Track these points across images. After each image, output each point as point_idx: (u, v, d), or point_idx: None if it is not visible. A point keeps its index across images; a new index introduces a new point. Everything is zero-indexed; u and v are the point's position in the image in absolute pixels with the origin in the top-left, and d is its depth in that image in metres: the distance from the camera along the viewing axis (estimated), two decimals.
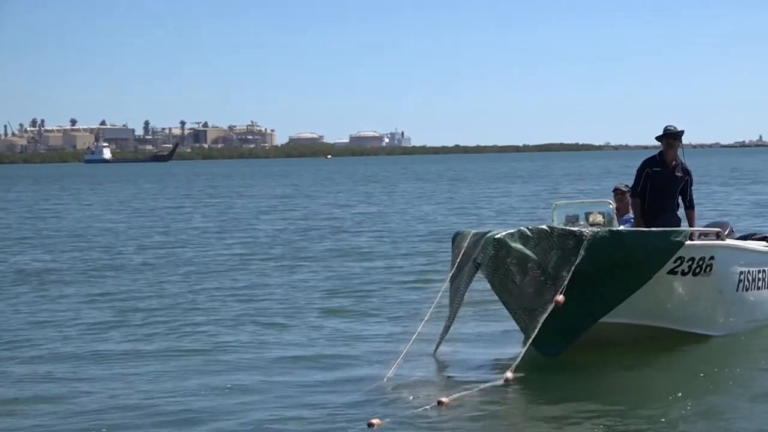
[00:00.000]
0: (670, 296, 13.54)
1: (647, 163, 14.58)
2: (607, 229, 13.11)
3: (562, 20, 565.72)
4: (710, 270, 13.63)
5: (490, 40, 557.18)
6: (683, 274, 13.42)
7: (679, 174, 14.49)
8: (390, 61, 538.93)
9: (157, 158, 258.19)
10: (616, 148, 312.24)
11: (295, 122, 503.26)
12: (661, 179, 14.45)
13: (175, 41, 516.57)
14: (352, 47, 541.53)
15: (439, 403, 11.12)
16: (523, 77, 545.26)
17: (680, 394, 11.58)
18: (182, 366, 13.45)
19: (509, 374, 11.85)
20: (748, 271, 14.47)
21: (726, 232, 15.58)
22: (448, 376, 12.85)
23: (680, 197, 14.67)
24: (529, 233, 12.95)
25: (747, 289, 14.49)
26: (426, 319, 13.30)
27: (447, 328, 13.67)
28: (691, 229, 13.77)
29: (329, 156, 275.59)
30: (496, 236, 12.97)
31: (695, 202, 14.91)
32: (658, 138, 14.59)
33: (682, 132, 14.51)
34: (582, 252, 12.70)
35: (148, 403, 11.57)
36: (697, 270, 13.50)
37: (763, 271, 14.79)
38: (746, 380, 12.35)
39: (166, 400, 11.75)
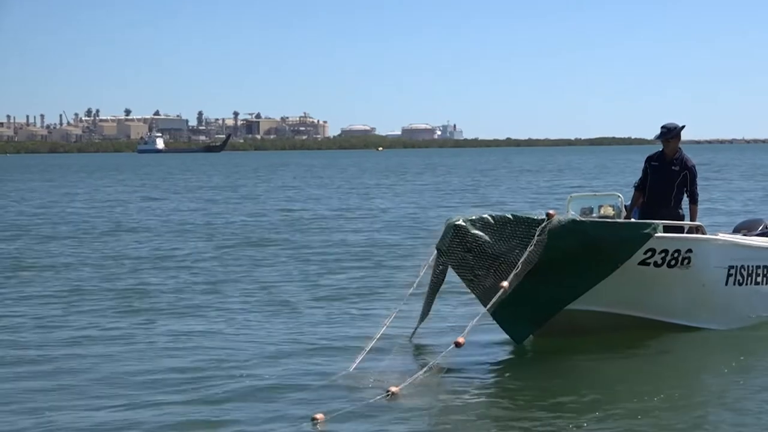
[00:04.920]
0: (644, 287, 13.58)
1: (648, 158, 14.79)
2: (569, 218, 13.21)
3: (614, 13, 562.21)
4: (688, 263, 13.67)
5: (542, 32, 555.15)
6: (656, 265, 13.48)
7: (675, 168, 14.54)
8: (442, 54, 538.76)
9: (209, 149, 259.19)
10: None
11: (347, 114, 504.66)
12: (658, 173, 14.60)
13: (228, 33, 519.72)
14: (405, 40, 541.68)
15: (389, 392, 11.10)
16: (576, 70, 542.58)
17: (651, 386, 11.65)
18: (139, 353, 13.59)
19: (393, 388, 11.39)
20: (742, 266, 14.45)
21: (759, 229, 15.64)
22: (407, 364, 12.84)
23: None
24: (491, 220, 13.08)
25: (740, 284, 14.45)
26: (398, 309, 13.45)
27: (422, 316, 13.82)
28: (662, 222, 13.73)
29: (380, 148, 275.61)
30: (456, 222, 13.11)
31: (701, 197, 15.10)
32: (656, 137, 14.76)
33: (676, 129, 14.59)
34: (543, 240, 12.79)
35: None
36: (673, 262, 13.56)
37: (765, 267, 14.77)
38: (726, 374, 12.36)
39: (115, 393, 11.73)
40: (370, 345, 12.60)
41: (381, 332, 12.90)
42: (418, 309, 13.88)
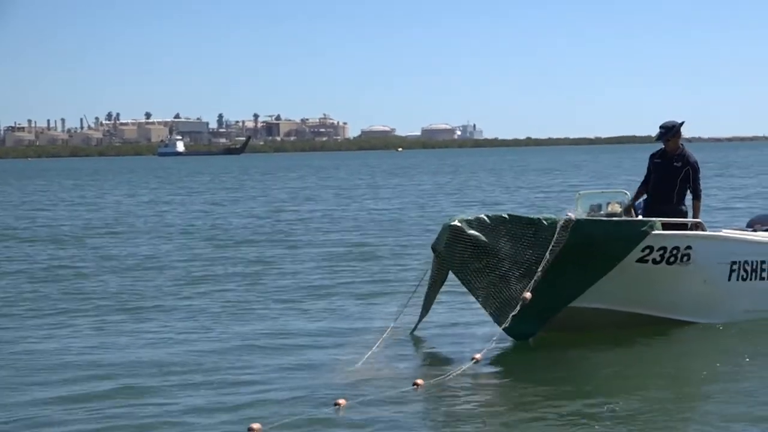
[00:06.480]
0: (645, 284, 13.72)
1: (652, 156, 14.84)
2: (565, 217, 13.33)
3: (634, 15, 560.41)
4: (688, 259, 13.81)
5: (561, 30, 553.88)
6: (655, 262, 13.63)
7: (677, 164, 14.54)
8: (461, 54, 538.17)
9: (230, 151, 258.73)
10: (689, 140, 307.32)
11: (367, 115, 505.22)
12: (660, 170, 14.61)
13: (248, 35, 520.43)
14: (424, 41, 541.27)
15: (416, 384, 11.41)
16: (597, 68, 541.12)
17: (653, 381, 11.83)
18: (168, 350, 13.82)
19: (420, 381, 11.73)
20: (746, 262, 14.50)
21: None
22: (418, 361, 13.27)
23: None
24: (487, 220, 13.27)
25: (745, 279, 14.52)
26: (406, 304, 13.96)
27: (422, 313, 14.08)
28: (660, 219, 13.83)
29: (400, 149, 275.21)
30: (452, 223, 13.30)
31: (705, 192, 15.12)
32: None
33: (675, 127, 14.60)
34: (540, 240, 13.06)
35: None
36: (672, 259, 13.70)
37: None
38: (719, 370, 12.45)
39: (141, 379, 12.15)
40: (379, 341, 12.94)
41: (389, 330, 13.27)
42: (419, 308, 14.17)
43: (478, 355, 12.40)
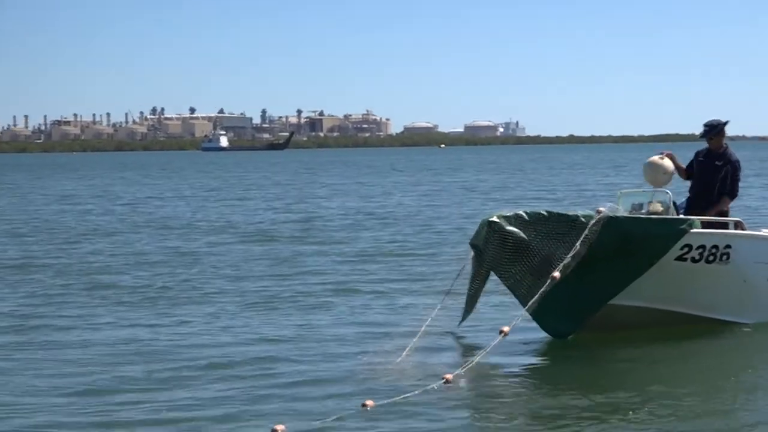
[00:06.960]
0: (684, 283, 13.62)
1: (697, 153, 14.75)
2: (605, 215, 13.20)
3: (677, 11, 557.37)
4: (727, 258, 13.68)
5: (605, 29, 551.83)
6: (694, 261, 13.51)
7: (718, 163, 14.45)
8: (505, 51, 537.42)
9: (273, 146, 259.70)
10: (732, 138, 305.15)
11: (410, 111, 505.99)
12: (703, 169, 14.51)
13: (292, 31, 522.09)
14: (468, 37, 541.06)
15: (444, 379, 11.36)
16: (640, 67, 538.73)
17: (690, 382, 11.74)
18: (191, 344, 13.75)
19: (448, 375, 11.59)
20: None
21: None
22: (453, 356, 13.15)
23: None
24: (526, 217, 13.21)
25: None
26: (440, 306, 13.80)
27: (467, 309, 14.06)
28: (699, 218, 13.71)
29: (443, 145, 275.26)
30: (490, 219, 13.28)
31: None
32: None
33: (719, 125, 14.46)
34: (579, 237, 12.90)
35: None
36: (711, 258, 13.57)
37: None
38: (755, 371, 12.36)
39: (163, 378, 12.00)
40: (417, 336, 12.93)
41: (425, 325, 13.23)
42: (459, 303, 14.10)
43: (506, 328, 12.29)
